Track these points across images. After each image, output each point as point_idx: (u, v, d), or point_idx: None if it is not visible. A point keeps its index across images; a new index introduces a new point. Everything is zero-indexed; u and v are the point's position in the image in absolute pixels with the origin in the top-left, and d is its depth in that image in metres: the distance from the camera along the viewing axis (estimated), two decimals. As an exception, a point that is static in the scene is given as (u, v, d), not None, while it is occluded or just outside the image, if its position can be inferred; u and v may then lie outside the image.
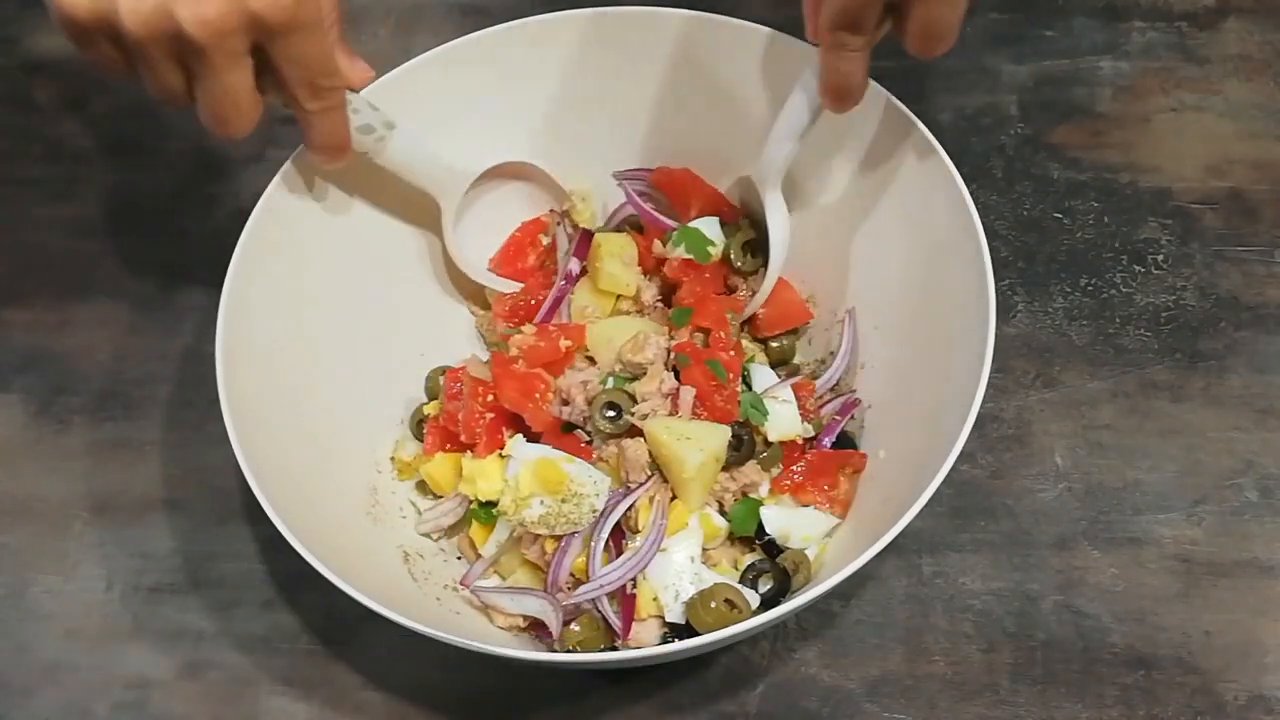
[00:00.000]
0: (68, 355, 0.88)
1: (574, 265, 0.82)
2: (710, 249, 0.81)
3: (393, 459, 0.79)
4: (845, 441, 0.77)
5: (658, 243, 0.82)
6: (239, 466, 0.66)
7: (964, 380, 0.67)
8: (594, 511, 0.72)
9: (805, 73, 0.71)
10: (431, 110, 0.79)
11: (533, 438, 0.75)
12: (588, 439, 0.76)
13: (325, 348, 0.77)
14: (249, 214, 0.73)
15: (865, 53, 0.67)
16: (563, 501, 0.71)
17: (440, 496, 0.78)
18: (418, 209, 0.81)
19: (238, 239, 0.72)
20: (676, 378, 0.76)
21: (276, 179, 0.74)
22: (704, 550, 0.73)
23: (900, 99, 0.73)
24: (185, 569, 0.79)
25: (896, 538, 0.76)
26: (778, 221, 0.79)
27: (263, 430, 0.69)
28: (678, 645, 0.62)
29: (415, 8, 1.03)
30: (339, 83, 0.68)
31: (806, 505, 0.75)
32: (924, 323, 0.75)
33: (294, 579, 0.76)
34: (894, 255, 0.77)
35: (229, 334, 0.70)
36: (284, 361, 0.73)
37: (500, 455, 0.75)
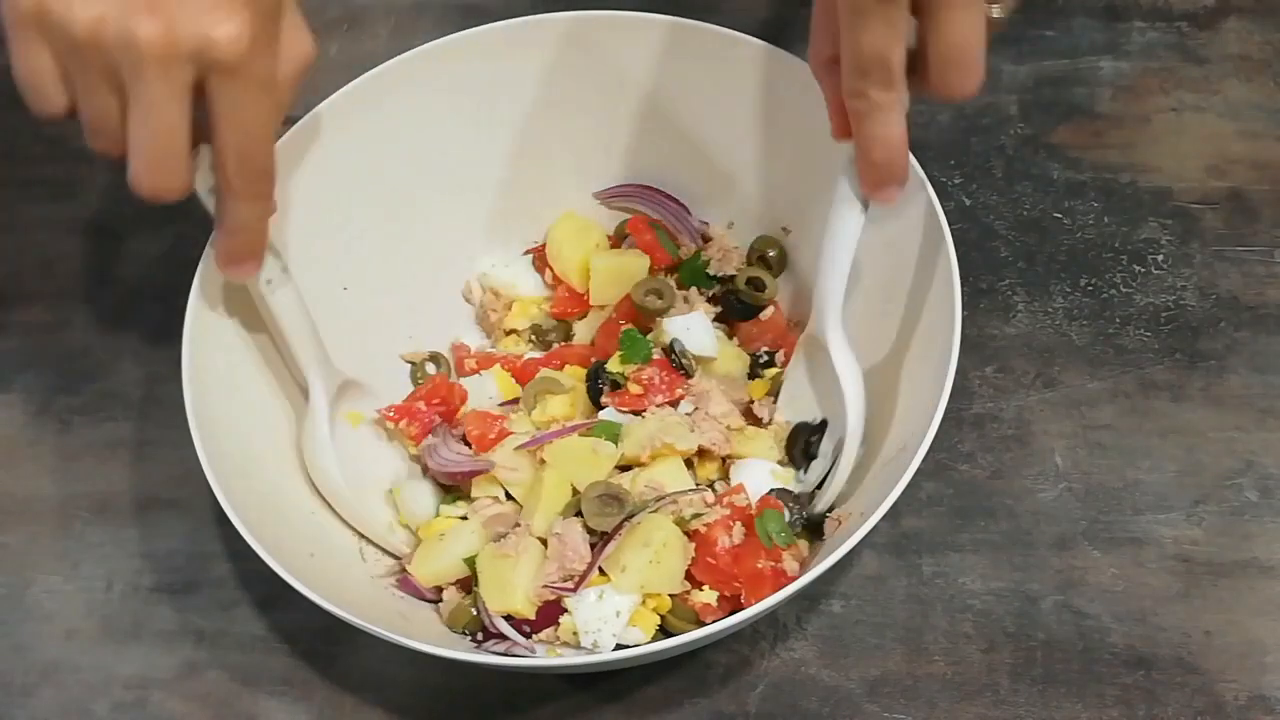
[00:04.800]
0: (68, 355, 0.88)
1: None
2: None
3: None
4: None
5: None
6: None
7: (938, 341, 0.68)
8: None
9: (840, 178, 0.67)
10: (410, 110, 0.79)
11: None
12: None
13: None
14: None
15: (901, 110, 0.60)
16: None
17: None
18: (387, 203, 0.81)
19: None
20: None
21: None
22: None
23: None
24: (185, 569, 0.79)
25: (897, 538, 0.77)
26: (850, 378, 0.71)
27: (235, 444, 0.70)
28: (674, 640, 0.62)
29: (415, 7, 1.03)
30: (271, 170, 0.62)
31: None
32: (893, 332, 0.74)
33: (294, 579, 0.77)
34: (866, 271, 0.76)
35: (197, 328, 0.70)
36: (257, 360, 0.74)
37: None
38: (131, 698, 0.75)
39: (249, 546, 0.64)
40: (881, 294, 0.76)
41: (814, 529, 0.73)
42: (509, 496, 0.75)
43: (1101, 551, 0.76)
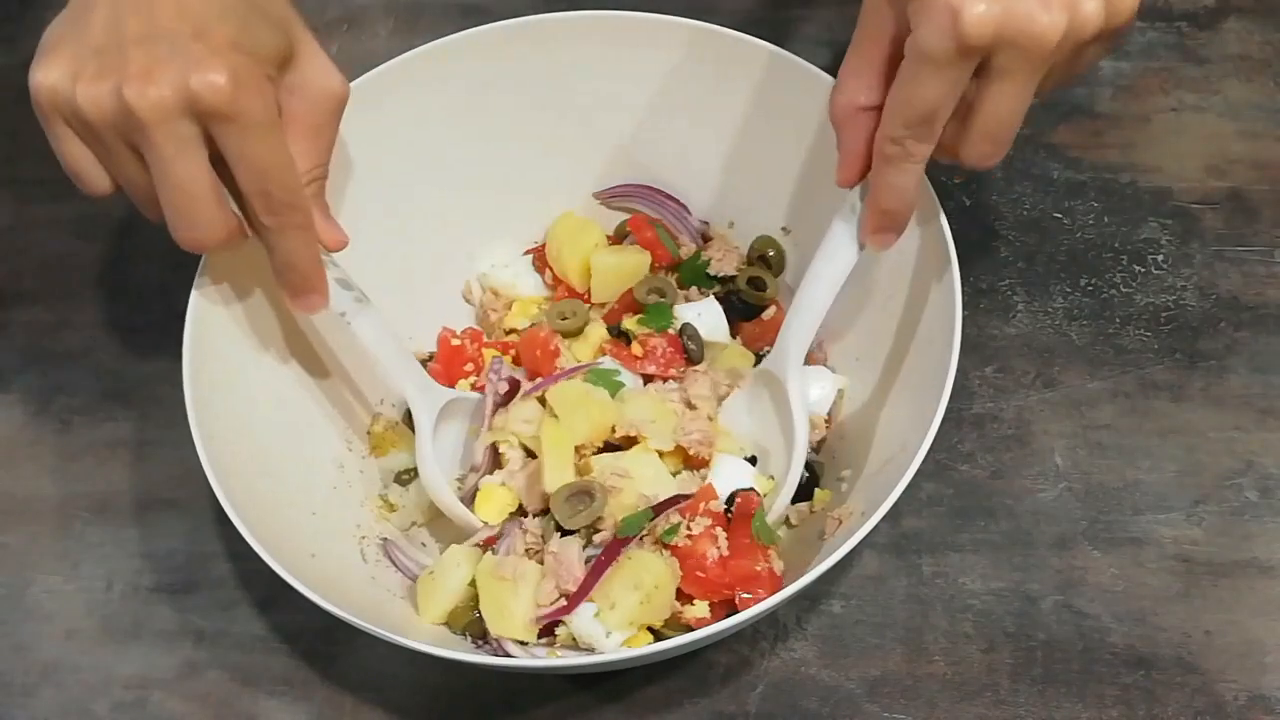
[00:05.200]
0: (68, 355, 0.88)
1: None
2: None
3: (369, 433, 0.80)
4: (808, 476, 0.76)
5: None
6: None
7: (938, 342, 0.68)
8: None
9: (837, 221, 0.68)
10: (405, 112, 0.79)
11: None
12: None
13: (302, 343, 0.77)
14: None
15: (924, 164, 0.62)
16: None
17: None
18: (386, 200, 0.81)
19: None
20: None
21: None
22: None
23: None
24: (185, 569, 0.79)
25: (897, 538, 0.77)
26: (802, 427, 0.72)
27: (236, 443, 0.70)
28: (674, 641, 0.62)
29: (415, 7, 1.03)
30: (299, 202, 0.64)
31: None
32: (893, 332, 0.75)
33: (294, 579, 0.77)
34: (867, 271, 0.76)
35: (198, 330, 0.70)
36: (258, 360, 0.74)
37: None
38: (131, 698, 0.75)
39: (249, 547, 0.64)
40: (882, 294, 0.76)
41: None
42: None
43: (1101, 551, 0.76)
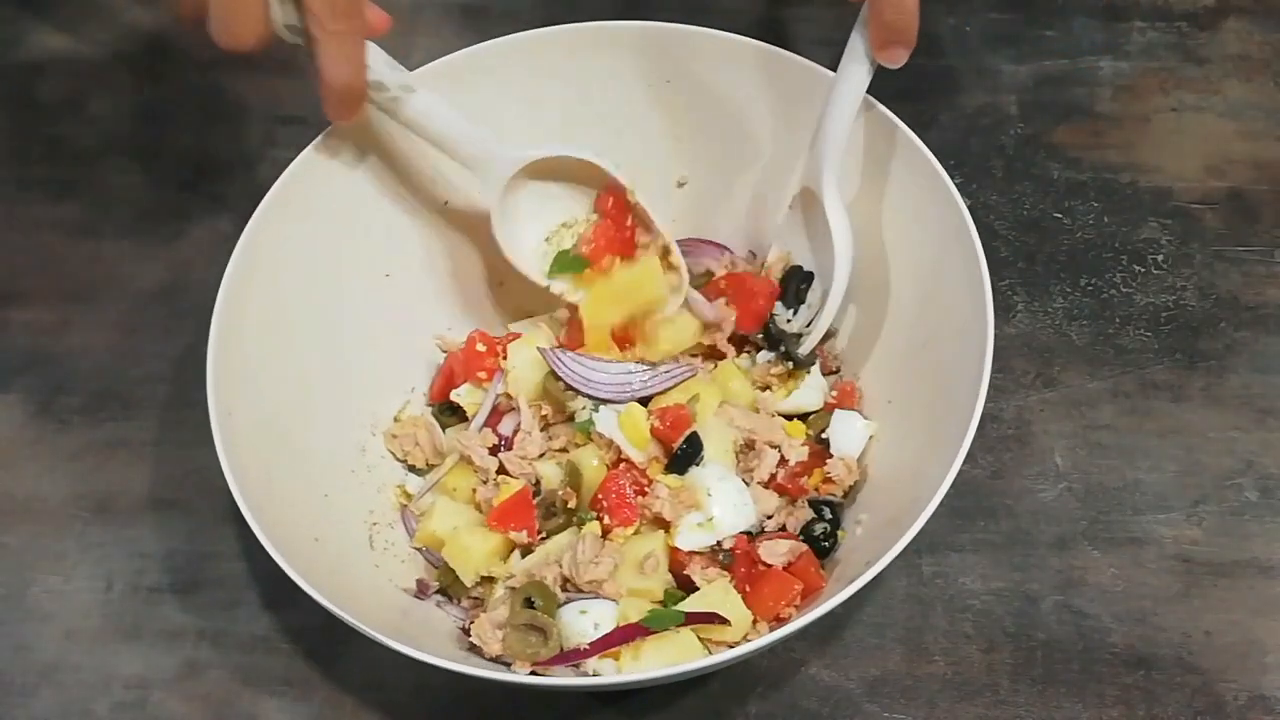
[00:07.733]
0: (68, 355, 0.88)
1: None
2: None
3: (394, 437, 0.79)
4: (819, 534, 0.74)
5: None
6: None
7: (963, 394, 0.67)
8: None
9: (853, 36, 0.70)
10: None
11: None
12: None
13: (322, 347, 0.77)
14: (249, 214, 0.72)
15: None
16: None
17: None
18: (431, 192, 0.81)
19: (238, 239, 0.72)
20: None
21: (306, 151, 0.74)
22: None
23: (900, 98, 0.73)
24: (185, 569, 0.79)
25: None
26: (840, 232, 0.74)
27: (252, 447, 0.69)
28: (688, 665, 0.61)
29: (415, 7, 1.03)
30: (357, 9, 0.66)
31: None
32: (922, 349, 0.74)
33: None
34: (893, 278, 0.76)
35: (225, 318, 0.70)
36: (279, 344, 0.74)
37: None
38: (131, 698, 0.75)
39: (249, 546, 0.64)
40: (919, 340, 0.75)
41: (799, 365, 0.78)
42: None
43: (1101, 551, 0.77)
